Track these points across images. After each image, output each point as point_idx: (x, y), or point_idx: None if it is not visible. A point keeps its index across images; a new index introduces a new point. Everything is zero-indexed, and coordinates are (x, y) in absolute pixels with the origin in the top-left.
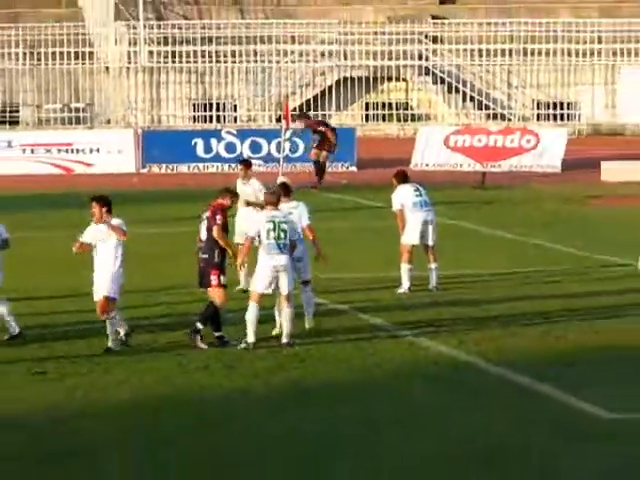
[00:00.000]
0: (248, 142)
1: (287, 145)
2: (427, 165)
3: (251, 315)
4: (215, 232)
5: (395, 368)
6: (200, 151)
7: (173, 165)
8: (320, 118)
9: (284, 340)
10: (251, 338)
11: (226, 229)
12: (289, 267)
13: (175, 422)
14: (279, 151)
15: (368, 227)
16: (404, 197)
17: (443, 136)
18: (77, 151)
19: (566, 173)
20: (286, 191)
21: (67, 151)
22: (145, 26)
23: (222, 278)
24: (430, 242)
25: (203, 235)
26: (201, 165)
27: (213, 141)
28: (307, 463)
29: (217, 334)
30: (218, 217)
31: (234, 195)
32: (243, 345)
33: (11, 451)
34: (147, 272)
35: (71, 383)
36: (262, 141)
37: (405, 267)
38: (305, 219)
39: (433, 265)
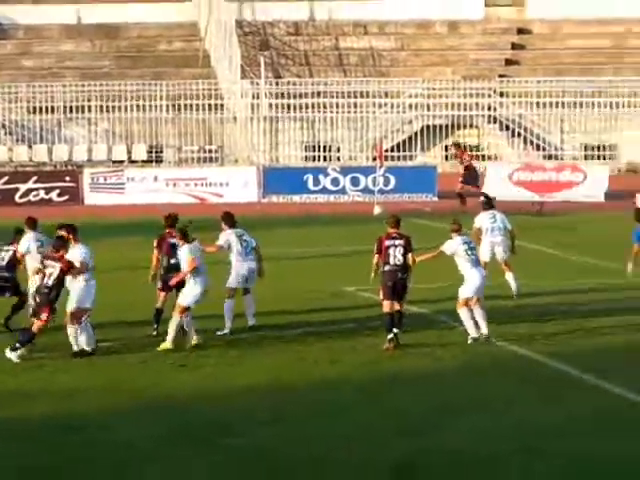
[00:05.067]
0: (349, 177)
1: (381, 180)
2: (495, 196)
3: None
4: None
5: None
6: (310, 185)
7: (288, 196)
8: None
9: (485, 331)
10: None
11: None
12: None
13: None
14: (374, 184)
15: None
16: (482, 221)
17: (508, 172)
18: (210, 184)
19: (608, 202)
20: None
21: (202, 184)
22: (266, 83)
23: None
24: (504, 257)
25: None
26: (311, 196)
27: (321, 176)
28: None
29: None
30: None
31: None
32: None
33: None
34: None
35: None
36: (360, 176)
37: None
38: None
39: (509, 274)
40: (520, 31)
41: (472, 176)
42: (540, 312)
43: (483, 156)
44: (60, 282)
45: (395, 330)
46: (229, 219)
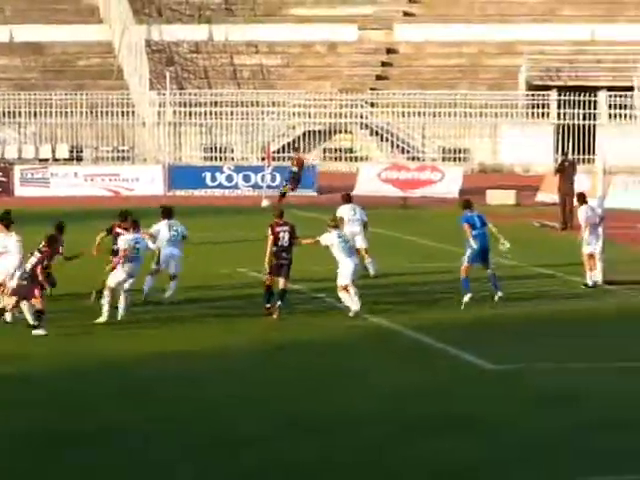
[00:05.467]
0: (241, 175)
1: (268, 177)
2: (365, 192)
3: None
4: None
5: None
6: (208, 181)
7: (190, 190)
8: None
9: (357, 308)
10: (356, 306)
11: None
12: None
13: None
14: (263, 181)
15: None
16: (344, 213)
17: (377, 172)
18: (123, 180)
19: (462, 198)
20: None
21: (116, 180)
22: (171, 94)
23: None
24: (363, 245)
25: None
26: (209, 190)
27: (217, 174)
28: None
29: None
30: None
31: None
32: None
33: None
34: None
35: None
36: (251, 174)
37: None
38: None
39: (368, 260)
40: (388, 51)
41: (296, 178)
42: (401, 290)
43: (356, 157)
44: (34, 268)
45: (279, 303)
46: (166, 212)
